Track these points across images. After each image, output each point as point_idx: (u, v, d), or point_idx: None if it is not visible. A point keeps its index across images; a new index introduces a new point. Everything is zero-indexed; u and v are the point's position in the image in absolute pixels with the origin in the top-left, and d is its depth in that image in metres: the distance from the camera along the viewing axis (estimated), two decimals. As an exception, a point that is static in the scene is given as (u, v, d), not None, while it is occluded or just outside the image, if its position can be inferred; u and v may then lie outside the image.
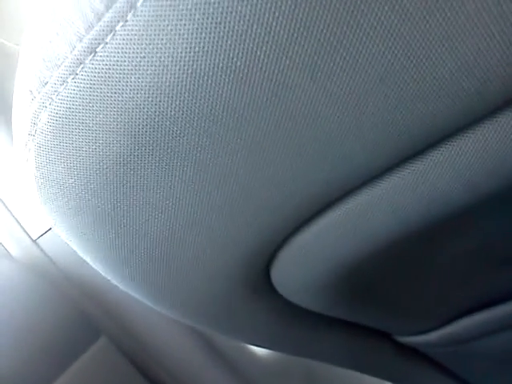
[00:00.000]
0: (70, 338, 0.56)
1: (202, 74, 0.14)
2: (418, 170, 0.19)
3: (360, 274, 0.26)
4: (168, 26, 0.14)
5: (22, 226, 0.59)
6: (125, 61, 0.14)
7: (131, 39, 0.14)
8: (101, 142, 0.17)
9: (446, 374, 0.52)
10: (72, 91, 0.16)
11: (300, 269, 0.25)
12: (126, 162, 0.17)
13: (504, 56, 0.14)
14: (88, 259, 0.25)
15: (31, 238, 0.60)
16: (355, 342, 0.41)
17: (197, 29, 0.13)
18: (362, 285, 0.28)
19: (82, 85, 0.15)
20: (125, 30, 0.14)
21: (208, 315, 0.30)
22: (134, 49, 0.14)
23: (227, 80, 0.14)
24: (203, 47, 0.14)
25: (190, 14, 0.13)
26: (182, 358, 0.59)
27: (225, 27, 0.13)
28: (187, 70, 0.14)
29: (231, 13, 0.13)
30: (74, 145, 0.17)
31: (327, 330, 0.37)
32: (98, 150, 0.17)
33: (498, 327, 0.39)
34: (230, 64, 0.14)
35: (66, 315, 0.57)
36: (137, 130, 0.16)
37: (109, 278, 0.27)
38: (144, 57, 0.14)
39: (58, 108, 0.16)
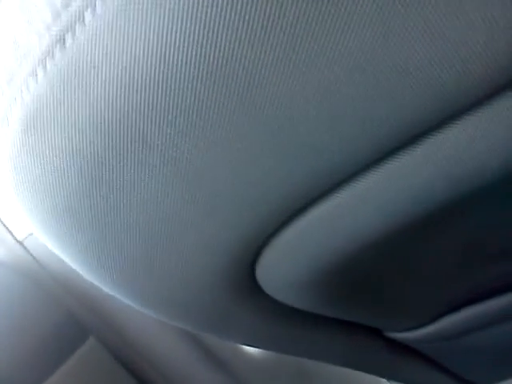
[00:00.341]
0: (58, 339, 0.56)
1: (175, 67, 0.14)
2: (398, 164, 0.18)
3: (346, 271, 0.26)
4: (138, 15, 0.13)
5: (6, 227, 0.59)
6: (95, 53, 0.14)
7: (101, 30, 0.13)
8: (73, 139, 0.16)
9: (438, 368, 0.52)
10: (42, 85, 0.15)
11: (285, 266, 0.25)
12: (100, 160, 0.17)
13: (484, 46, 0.14)
14: (68, 261, 0.25)
15: (16, 239, 0.59)
16: (345, 338, 0.41)
17: (168, 20, 0.13)
18: (349, 282, 0.28)
19: (51, 78, 0.15)
20: (95, 21, 0.13)
21: (194, 316, 0.29)
22: (104, 40, 0.14)
23: (200, 74, 0.14)
24: (175, 40, 0.13)
25: (161, 4, 0.13)
26: (171, 357, 0.58)
27: (196, 19, 0.13)
28: (159, 63, 0.14)
29: (203, 3, 0.13)
30: (47, 143, 0.17)
31: (316, 327, 0.37)
32: (71, 148, 0.17)
33: (487, 322, 0.39)
34: (202, 57, 0.14)
35: (53, 316, 0.57)
36: (109, 126, 0.15)
37: (90, 280, 0.26)
38: (115, 48, 0.14)
39: (29, 103, 0.16)
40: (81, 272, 0.25)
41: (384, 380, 0.76)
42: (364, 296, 0.31)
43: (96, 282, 0.26)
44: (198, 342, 0.59)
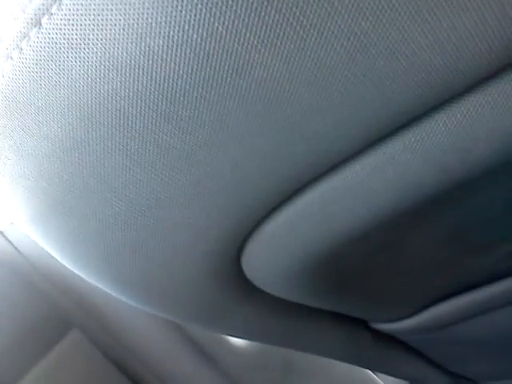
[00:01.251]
0: (41, 330, 0.55)
1: (157, 48, 0.13)
2: (388, 152, 0.18)
3: (332, 262, 0.26)
4: None
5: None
6: (73, 34, 0.13)
7: (79, 9, 0.13)
8: (52, 124, 0.16)
9: (423, 360, 0.53)
10: (18, 68, 0.14)
11: (270, 257, 0.24)
12: (80, 145, 0.16)
13: (478, 31, 0.13)
14: (50, 251, 0.24)
15: (-4, 229, 0.58)
16: (332, 330, 0.41)
17: (150, 5, 0.12)
18: (335, 273, 0.27)
19: (28, 61, 0.14)
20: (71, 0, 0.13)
21: (181, 307, 0.29)
22: (81, 20, 0.13)
23: (184, 56, 0.13)
24: (156, 19, 0.13)
25: None
26: (157, 348, 0.58)
27: (181, 2, 0.12)
28: (141, 45, 0.13)
29: None
30: (25, 128, 0.16)
31: (303, 319, 0.37)
32: (50, 132, 0.16)
33: (472, 313, 0.40)
34: (186, 38, 0.13)
35: (35, 307, 0.56)
36: (89, 110, 0.15)
37: (74, 270, 0.26)
38: (93, 29, 0.13)
39: (5, 87, 0.15)
40: (63, 261, 0.25)
41: (370, 372, 0.77)
42: (350, 286, 0.31)
43: (80, 273, 0.26)
44: (185, 334, 0.59)
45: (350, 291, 0.32)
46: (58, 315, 0.57)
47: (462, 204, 0.25)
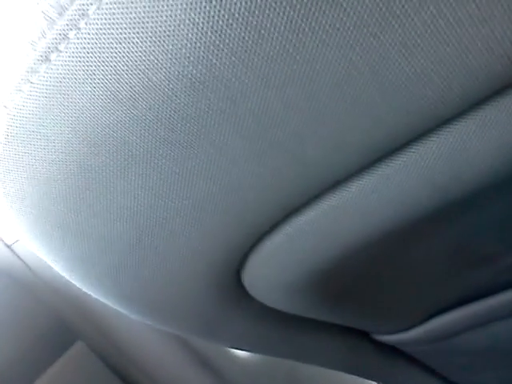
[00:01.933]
0: (46, 342, 0.56)
1: (158, 83, 0.14)
2: (383, 173, 0.19)
3: (332, 275, 0.26)
4: (121, 33, 0.13)
5: (-5, 232, 0.58)
6: (80, 69, 0.14)
7: (85, 47, 0.14)
8: (60, 151, 0.16)
9: (425, 371, 0.53)
10: (27, 100, 0.15)
11: (271, 272, 0.25)
12: (85, 170, 0.17)
13: (463, 63, 0.14)
14: (55, 267, 0.25)
15: (6, 244, 0.59)
16: (334, 341, 0.41)
17: (150, 37, 0.13)
18: (336, 286, 0.28)
19: (37, 94, 0.15)
20: (78, 38, 0.14)
21: (181, 320, 0.29)
22: (88, 57, 0.14)
23: (183, 88, 0.14)
24: (157, 56, 0.14)
25: (143, 23, 0.13)
26: (160, 360, 0.58)
27: (178, 36, 0.13)
28: (142, 79, 0.14)
29: (184, 21, 0.13)
30: (33, 154, 0.17)
31: (304, 330, 0.37)
32: (56, 159, 0.17)
33: (474, 324, 0.40)
34: (185, 72, 0.14)
35: (41, 319, 0.56)
36: (94, 138, 0.16)
37: (79, 286, 0.26)
38: (99, 65, 0.14)
39: (15, 117, 0.16)
40: (69, 278, 0.25)
41: (373, 383, 0.77)
42: (351, 299, 0.32)
43: (85, 289, 0.27)
44: (188, 346, 0.59)
45: (351, 304, 0.33)
46: (62, 327, 0.58)
47: (461, 219, 0.25)
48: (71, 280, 0.26)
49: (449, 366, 0.50)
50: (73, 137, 0.16)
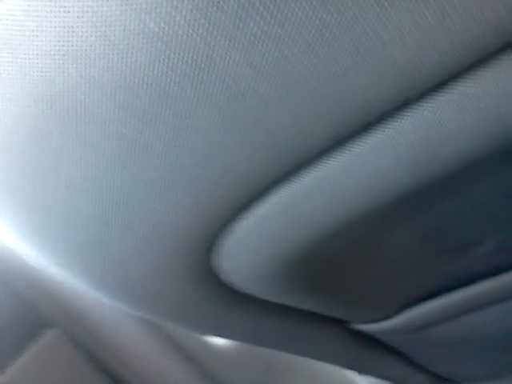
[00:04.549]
0: (19, 329, 0.54)
1: (113, 38, 0.13)
2: (357, 151, 0.18)
3: (306, 261, 0.26)
4: None
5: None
6: (26, 21, 0.13)
7: None
8: (12, 115, 0.15)
9: (402, 360, 0.53)
10: None
11: (242, 255, 0.24)
12: (39, 137, 0.16)
13: (440, 26, 0.13)
14: (21, 247, 0.24)
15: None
16: (311, 329, 0.41)
17: None
18: (308, 273, 0.27)
19: None
20: None
21: (154, 304, 0.29)
22: (35, 7, 0.13)
23: (142, 46, 0.13)
24: (112, 7, 0.12)
25: None
26: (135, 347, 0.57)
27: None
28: (96, 32, 0.13)
29: None
30: None
31: (281, 318, 0.37)
32: (9, 124, 0.16)
33: (449, 315, 0.40)
34: (144, 28, 0.13)
35: (13, 306, 0.55)
36: (47, 100, 0.14)
37: (45, 265, 0.25)
38: (47, 16, 0.13)
39: None
40: (34, 257, 0.24)
41: (350, 372, 0.77)
42: (325, 287, 0.31)
43: (50, 269, 0.25)
44: (164, 333, 0.59)
45: (325, 291, 0.32)
46: (35, 314, 0.57)
47: (436, 205, 0.25)
48: (38, 261, 0.24)
49: (425, 355, 0.50)
50: (24, 98, 0.15)
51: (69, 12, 0.12)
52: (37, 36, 0.13)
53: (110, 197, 0.18)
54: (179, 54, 0.13)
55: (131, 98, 0.14)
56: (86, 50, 0.13)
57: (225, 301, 0.30)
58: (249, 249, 0.24)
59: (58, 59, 0.13)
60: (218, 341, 0.64)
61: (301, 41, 0.13)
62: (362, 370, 0.56)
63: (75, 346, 0.58)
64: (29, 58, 0.13)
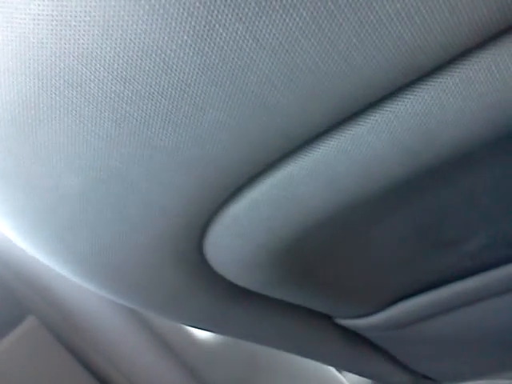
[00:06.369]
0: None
1: (113, 2, 0.12)
2: (353, 133, 0.18)
3: (295, 250, 0.25)
4: None
5: None
6: None
7: None
8: (2, 85, 0.15)
9: (386, 357, 0.53)
10: None
11: (233, 242, 0.24)
12: (31, 109, 0.15)
13: (447, 2, 0.13)
14: (2, 227, 0.23)
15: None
16: (296, 324, 0.41)
17: None
18: (297, 263, 0.27)
19: None
20: None
21: (141, 292, 0.28)
22: None
23: (142, 13, 0.13)
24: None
25: None
26: (115, 337, 0.56)
27: None
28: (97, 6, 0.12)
29: None
30: None
31: (268, 311, 0.36)
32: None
33: (435, 312, 0.40)
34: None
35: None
36: (41, 69, 0.14)
37: (25, 249, 0.25)
38: None
39: None
40: (15, 238, 0.24)
41: (333, 370, 0.77)
42: (313, 279, 0.31)
43: (31, 251, 0.25)
44: (146, 325, 0.58)
45: (313, 284, 0.32)
46: (13, 301, 0.56)
47: (431, 196, 0.24)
48: (16, 239, 0.24)
49: (410, 353, 0.50)
50: (16, 67, 0.14)
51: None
52: (33, 0, 0.13)
53: (99, 174, 0.18)
54: (180, 22, 0.13)
55: (129, 69, 0.14)
56: (83, 14, 0.13)
57: (214, 291, 0.29)
58: (239, 235, 0.23)
59: (55, 24, 0.13)
60: (201, 333, 0.63)
61: (305, 13, 0.13)
62: (345, 367, 0.56)
63: (53, 334, 0.57)
64: (25, 23, 0.13)
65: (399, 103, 0.16)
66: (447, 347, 0.48)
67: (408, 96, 0.16)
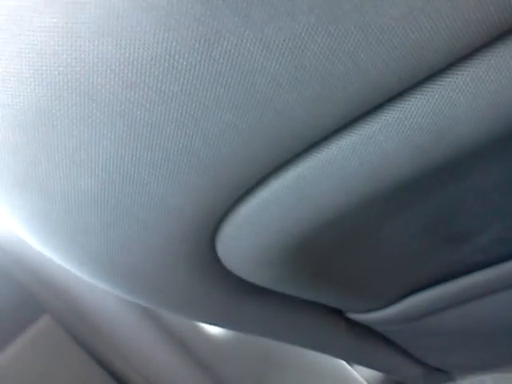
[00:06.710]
0: (12, 314, 0.54)
1: (122, 12, 0.13)
2: (364, 133, 0.18)
3: (307, 248, 0.25)
4: None
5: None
6: None
7: None
8: (16, 92, 0.15)
9: (398, 350, 0.53)
10: None
11: (245, 241, 0.24)
12: (44, 116, 0.15)
13: (453, 3, 0.13)
14: (18, 230, 0.23)
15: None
16: (308, 319, 0.41)
17: None
18: (310, 260, 0.27)
19: None
20: None
21: (154, 290, 0.28)
22: None
23: (151, 21, 0.13)
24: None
25: None
26: (130, 335, 0.57)
27: None
28: (105, 6, 0.13)
29: None
30: None
31: (281, 307, 0.37)
32: (13, 102, 0.15)
33: (446, 305, 0.40)
34: (152, 2, 0.13)
35: (6, 291, 0.55)
36: (54, 78, 0.14)
37: (43, 252, 0.25)
38: None
39: None
40: (31, 241, 0.24)
41: (345, 363, 0.77)
42: (325, 274, 0.31)
43: (49, 254, 0.25)
44: (160, 323, 0.58)
45: (324, 280, 0.32)
46: (29, 300, 0.56)
47: (441, 192, 0.24)
48: (33, 243, 0.24)
49: (421, 346, 0.50)
50: (30, 75, 0.14)
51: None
52: (46, 10, 0.13)
53: (112, 178, 0.18)
54: (189, 28, 0.13)
55: (140, 76, 0.14)
56: (94, 24, 0.13)
57: (227, 288, 0.29)
58: (251, 235, 0.24)
59: (67, 34, 0.13)
60: (214, 329, 0.64)
61: (312, 17, 0.13)
62: (356, 360, 0.56)
63: (68, 332, 0.57)
64: (38, 33, 0.13)
65: (409, 103, 0.17)
66: (459, 340, 0.48)
67: (418, 95, 0.16)
